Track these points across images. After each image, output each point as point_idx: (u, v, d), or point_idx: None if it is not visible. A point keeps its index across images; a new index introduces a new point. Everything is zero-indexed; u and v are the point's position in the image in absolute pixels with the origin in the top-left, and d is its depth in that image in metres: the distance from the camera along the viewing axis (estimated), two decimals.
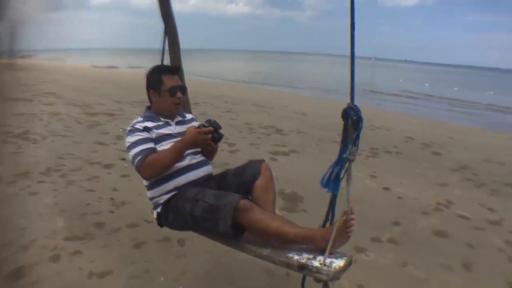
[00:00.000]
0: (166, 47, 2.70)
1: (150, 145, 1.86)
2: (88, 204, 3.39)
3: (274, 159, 5.06)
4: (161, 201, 1.87)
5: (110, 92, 11.63)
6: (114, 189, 3.75)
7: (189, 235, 2.85)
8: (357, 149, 1.35)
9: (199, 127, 1.83)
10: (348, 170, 1.36)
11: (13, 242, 2.68)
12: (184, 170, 1.87)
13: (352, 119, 1.32)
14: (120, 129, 6.47)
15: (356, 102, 1.35)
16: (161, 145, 1.88)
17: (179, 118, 2.08)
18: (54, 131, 6.12)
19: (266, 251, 1.56)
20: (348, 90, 1.38)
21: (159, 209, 1.90)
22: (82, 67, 24.94)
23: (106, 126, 6.75)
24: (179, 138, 1.87)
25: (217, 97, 11.35)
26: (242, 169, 1.93)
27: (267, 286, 2.32)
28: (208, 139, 1.80)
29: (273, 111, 9.49)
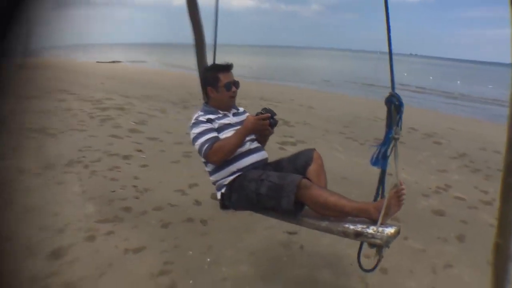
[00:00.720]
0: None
1: (214, 134, 2.07)
2: (113, 191, 3.64)
3: (282, 149, 5.32)
4: (225, 183, 2.07)
5: (117, 87, 11.84)
6: (136, 178, 3.99)
7: (211, 216, 3.16)
8: (401, 129, 1.58)
9: (257, 114, 2.05)
10: (395, 148, 1.60)
11: (48, 227, 2.92)
12: (245, 154, 2.08)
13: (394, 104, 1.56)
14: (132, 123, 6.74)
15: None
16: (223, 134, 2.09)
17: (234, 110, 2.30)
18: (70, 126, 6.36)
19: (324, 223, 1.76)
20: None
21: (223, 190, 2.09)
22: (86, 63, 25.12)
23: (118, 120, 6.98)
24: (238, 127, 2.09)
25: None
26: (296, 157, 2.15)
27: (284, 257, 2.61)
28: (266, 125, 2.02)
29: (280, 105, 9.69)
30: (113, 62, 25.69)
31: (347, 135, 6.46)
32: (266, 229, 2.98)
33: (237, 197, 2.03)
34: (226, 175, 2.07)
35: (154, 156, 4.83)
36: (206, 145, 2.02)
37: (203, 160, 2.14)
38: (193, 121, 2.15)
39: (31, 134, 5.72)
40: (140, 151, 4.99)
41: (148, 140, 5.56)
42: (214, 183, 2.17)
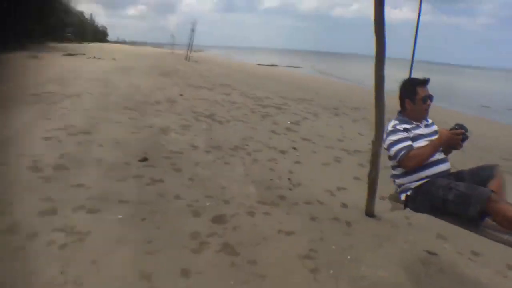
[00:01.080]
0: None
1: (409, 142, 2.33)
2: (271, 179, 4.18)
3: None
4: (412, 186, 2.33)
5: (275, 88, 12.85)
6: (290, 172, 4.48)
7: (355, 220, 3.39)
8: None
9: (451, 129, 2.25)
10: None
11: (215, 196, 3.58)
12: (435, 163, 2.31)
13: None
14: (288, 122, 7.36)
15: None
16: (416, 143, 2.34)
17: (425, 122, 2.52)
18: (235, 117, 7.36)
19: (506, 237, 1.88)
20: None
21: (409, 193, 2.35)
22: (247, 64, 27.62)
23: (276, 117, 7.73)
24: (429, 138, 2.34)
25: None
26: (478, 170, 2.29)
27: (422, 274, 2.67)
28: (459, 139, 2.23)
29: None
30: (271, 65, 27.69)
31: (506, 169, 5.84)
32: (407, 242, 3.08)
33: (422, 200, 2.26)
34: (415, 180, 2.31)
35: (307, 155, 5.29)
36: (403, 152, 2.28)
37: (394, 164, 2.41)
38: (390, 128, 2.42)
39: (201, 118, 6.84)
40: (294, 148, 5.51)
41: (301, 140, 6.08)
42: (399, 185, 2.42)
